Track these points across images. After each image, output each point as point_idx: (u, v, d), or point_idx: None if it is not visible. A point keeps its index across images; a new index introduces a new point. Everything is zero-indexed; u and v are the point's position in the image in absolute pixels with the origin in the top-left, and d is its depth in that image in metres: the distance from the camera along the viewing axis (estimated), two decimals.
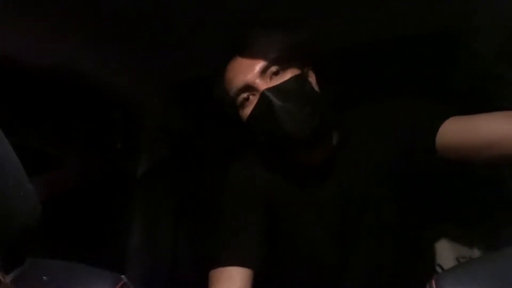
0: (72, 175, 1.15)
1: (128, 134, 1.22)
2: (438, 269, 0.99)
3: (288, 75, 0.75)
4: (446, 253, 1.01)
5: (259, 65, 0.75)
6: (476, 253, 1.01)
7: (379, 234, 0.82)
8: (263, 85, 0.74)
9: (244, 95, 0.76)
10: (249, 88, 0.75)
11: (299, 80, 0.75)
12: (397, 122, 0.78)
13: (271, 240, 0.83)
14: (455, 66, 1.03)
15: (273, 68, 0.75)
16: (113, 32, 0.88)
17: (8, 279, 0.38)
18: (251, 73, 0.75)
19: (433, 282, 0.37)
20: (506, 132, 0.64)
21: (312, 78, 0.80)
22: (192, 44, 0.93)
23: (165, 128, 1.25)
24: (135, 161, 1.22)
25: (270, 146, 0.81)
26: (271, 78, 0.75)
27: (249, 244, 0.79)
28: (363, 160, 0.80)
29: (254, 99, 0.75)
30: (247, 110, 0.77)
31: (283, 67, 0.75)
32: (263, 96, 0.73)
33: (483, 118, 0.68)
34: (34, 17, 0.75)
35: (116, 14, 0.82)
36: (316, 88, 0.79)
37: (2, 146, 0.37)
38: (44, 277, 0.40)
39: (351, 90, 1.01)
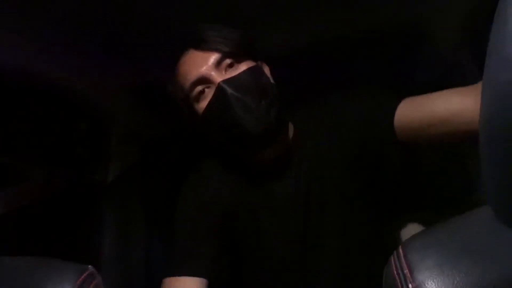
0: (36, 188, 1.11)
1: (95, 142, 1.19)
2: None
3: (243, 67, 0.75)
4: None
5: (214, 57, 0.74)
6: None
7: (343, 228, 0.80)
8: (218, 77, 0.72)
9: (199, 88, 0.74)
10: (204, 80, 0.74)
11: (255, 71, 0.75)
12: (353, 107, 0.78)
13: (231, 246, 0.82)
14: (416, 59, 1.06)
15: (228, 61, 0.74)
16: (72, 34, 0.86)
17: None
18: (205, 65, 0.73)
19: (400, 248, 0.37)
20: (457, 107, 0.67)
21: (267, 70, 0.80)
22: (154, 46, 0.93)
23: (133, 134, 1.23)
24: (103, 169, 1.20)
25: (225, 143, 0.79)
26: (226, 71, 0.74)
27: (203, 254, 0.77)
28: (321, 151, 0.79)
29: (209, 92, 0.74)
30: (203, 104, 0.75)
31: (238, 60, 0.75)
32: (219, 88, 0.71)
33: (436, 96, 0.71)
34: None
35: (73, 16, 0.80)
36: (271, 80, 0.79)
37: None
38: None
39: (304, 83, 1.02)
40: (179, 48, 0.79)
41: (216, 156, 0.87)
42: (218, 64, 0.74)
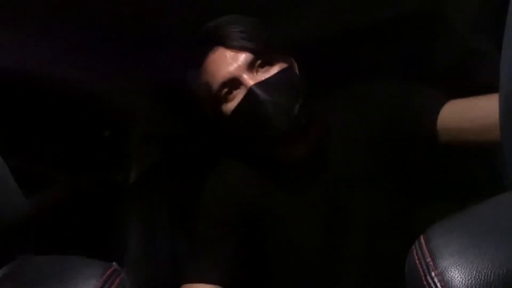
0: (63, 192, 1.14)
1: (118, 143, 1.22)
2: None
3: (275, 68, 0.72)
4: None
5: (245, 57, 0.71)
6: None
7: (371, 226, 0.78)
8: (250, 79, 0.70)
9: (227, 89, 0.72)
10: (234, 81, 0.71)
11: (287, 73, 0.73)
12: (389, 105, 0.75)
13: (254, 243, 0.82)
14: (434, 46, 1.03)
15: (259, 61, 0.71)
16: (95, 36, 0.88)
17: None
18: (236, 65, 0.71)
19: (422, 236, 0.36)
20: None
21: (296, 68, 0.77)
22: (175, 46, 0.93)
23: (154, 133, 1.25)
24: (126, 169, 1.22)
25: (255, 142, 0.78)
26: (257, 72, 0.71)
27: (218, 261, 0.77)
28: (352, 148, 0.77)
29: (238, 93, 0.72)
30: (231, 105, 0.72)
31: (269, 60, 0.72)
32: (251, 91, 0.69)
33: (486, 101, 0.65)
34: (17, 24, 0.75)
35: (98, 20, 0.82)
36: (300, 78, 0.76)
37: None
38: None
39: (329, 75, 1.01)
40: (200, 46, 0.76)
41: (241, 154, 0.85)
42: (249, 65, 0.71)
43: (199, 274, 0.76)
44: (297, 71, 0.77)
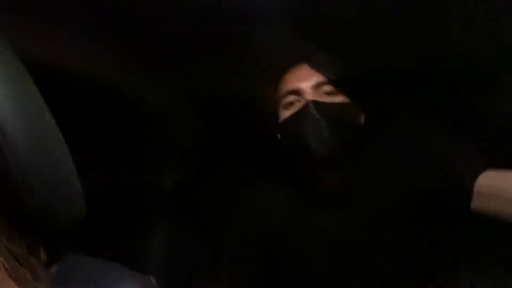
0: (101, 185, 1.20)
1: (159, 149, 1.27)
2: None
3: (338, 99, 0.78)
4: None
5: (318, 78, 0.78)
6: None
7: (392, 272, 0.79)
8: (311, 96, 0.77)
9: (292, 98, 0.79)
10: (299, 93, 0.78)
11: (347, 108, 0.78)
12: (429, 162, 0.78)
13: (272, 270, 0.84)
14: (488, 108, 1.02)
15: (328, 88, 0.78)
16: (150, 50, 0.93)
17: (48, 273, 0.41)
18: (307, 82, 0.78)
19: None
20: None
21: (361, 117, 0.82)
22: (229, 62, 0.98)
23: (196, 146, 1.30)
24: (164, 175, 1.27)
25: (291, 158, 0.82)
26: (322, 95, 0.78)
27: (240, 279, 0.81)
28: (381, 196, 0.80)
29: (298, 105, 0.78)
30: (288, 113, 0.79)
31: (338, 92, 0.78)
32: (306, 105, 0.76)
33: None
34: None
35: (151, 35, 0.87)
36: (358, 124, 0.80)
37: (60, 147, 0.41)
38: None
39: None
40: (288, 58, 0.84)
41: (277, 176, 0.89)
42: (318, 85, 0.78)
43: None
44: (360, 119, 0.81)
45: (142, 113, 1.18)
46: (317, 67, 0.79)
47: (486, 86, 0.97)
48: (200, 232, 1.29)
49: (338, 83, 0.78)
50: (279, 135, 0.84)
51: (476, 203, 0.71)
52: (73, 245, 0.48)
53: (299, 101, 0.78)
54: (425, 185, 0.77)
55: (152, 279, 0.44)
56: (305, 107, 0.76)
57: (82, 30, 0.82)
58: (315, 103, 0.75)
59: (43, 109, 0.40)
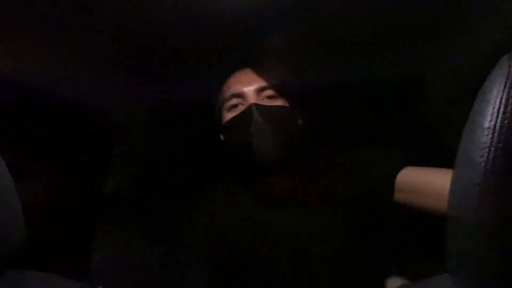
0: (38, 190, 1.14)
1: (100, 152, 1.23)
2: None
3: (279, 103, 0.81)
4: None
5: (260, 82, 0.81)
6: None
7: (334, 273, 0.83)
8: (254, 100, 0.79)
9: (235, 101, 0.81)
10: (241, 96, 0.81)
11: (287, 111, 0.81)
12: (361, 172, 0.83)
13: (226, 273, 0.86)
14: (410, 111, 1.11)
15: (270, 92, 0.81)
16: (102, 53, 0.91)
17: None
18: (250, 86, 0.81)
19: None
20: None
21: (301, 120, 0.85)
22: (182, 70, 0.98)
23: (139, 151, 1.28)
24: (104, 180, 1.24)
25: (236, 160, 0.84)
26: (263, 98, 0.81)
27: (197, 280, 0.82)
28: (329, 200, 0.83)
29: (240, 108, 0.80)
30: (230, 115, 0.82)
31: (278, 96, 0.81)
32: (249, 108, 0.78)
33: (439, 171, 0.73)
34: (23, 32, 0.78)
35: (104, 38, 0.85)
36: (299, 128, 0.84)
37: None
38: None
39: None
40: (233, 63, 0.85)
41: (225, 180, 0.92)
42: (261, 90, 0.81)
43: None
44: (300, 123, 0.85)
45: (87, 117, 1.14)
46: (260, 72, 0.83)
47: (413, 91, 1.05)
48: (149, 240, 1.28)
49: (279, 88, 0.81)
50: (222, 137, 0.86)
51: (397, 197, 0.77)
52: (14, 261, 0.47)
53: (242, 104, 0.81)
54: (358, 186, 0.82)
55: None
56: (247, 110, 0.78)
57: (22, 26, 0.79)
58: (257, 106, 0.78)
59: None
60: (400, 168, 0.77)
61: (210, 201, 0.91)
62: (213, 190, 0.92)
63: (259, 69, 0.83)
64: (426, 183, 0.73)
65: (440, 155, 0.78)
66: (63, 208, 1.13)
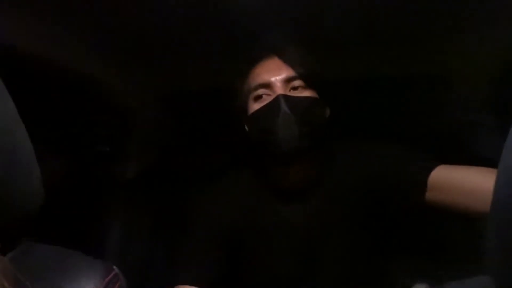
0: (55, 172, 1.15)
1: (117, 139, 1.24)
2: None
3: (307, 93, 0.79)
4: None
5: (288, 72, 0.79)
6: None
7: (343, 262, 0.83)
8: (281, 90, 0.77)
9: (262, 91, 0.79)
10: (268, 87, 0.79)
11: (315, 103, 0.79)
12: (386, 166, 0.81)
13: (237, 259, 0.85)
14: (438, 112, 1.09)
15: (297, 82, 0.79)
16: (117, 40, 0.91)
17: (5, 259, 0.39)
18: (277, 76, 0.79)
19: None
20: (484, 185, 0.65)
21: (326, 112, 0.84)
22: (196, 57, 0.96)
23: (156, 138, 1.28)
24: (121, 166, 1.24)
25: (257, 150, 0.83)
26: (290, 89, 0.79)
27: (206, 267, 0.81)
28: (342, 194, 0.82)
29: (267, 98, 0.78)
30: (257, 105, 0.80)
31: (306, 86, 0.79)
32: (276, 99, 0.76)
33: (474, 169, 0.71)
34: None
35: (120, 25, 0.85)
36: (324, 119, 0.82)
37: (19, 131, 0.39)
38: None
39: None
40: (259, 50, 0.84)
41: (241, 169, 0.90)
42: (288, 80, 0.79)
43: (189, 277, 0.79)
44: (326, 113, 0.83)
45: (103, 102, 1.14)
46: (288, 61, 0.80)
47: (437, 92, 1.03)
48: (159, 224, 1.27)
49: (307, 78, 0.79)
50: (247, 127, 0.84)
51: (430, 196, 0.75)
52: (29, 233, 0.46)
53: (269, 94, 0.79)
54: (382, 182, 0.80)
55: (116, 269, 0.42)
56: (275, 101, 0.76)
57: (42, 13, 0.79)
58: (285, 97, 0.76)
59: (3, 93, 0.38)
60: (432, 167, 0.75)
61: (222, 190, 0.89)
62: (226, 180, 0.91)
63: (287, 58, 0.80)
64: (465, 182, 0.70)
65: (464, 157, 0.76)
66: (80, 189, 1.14)
